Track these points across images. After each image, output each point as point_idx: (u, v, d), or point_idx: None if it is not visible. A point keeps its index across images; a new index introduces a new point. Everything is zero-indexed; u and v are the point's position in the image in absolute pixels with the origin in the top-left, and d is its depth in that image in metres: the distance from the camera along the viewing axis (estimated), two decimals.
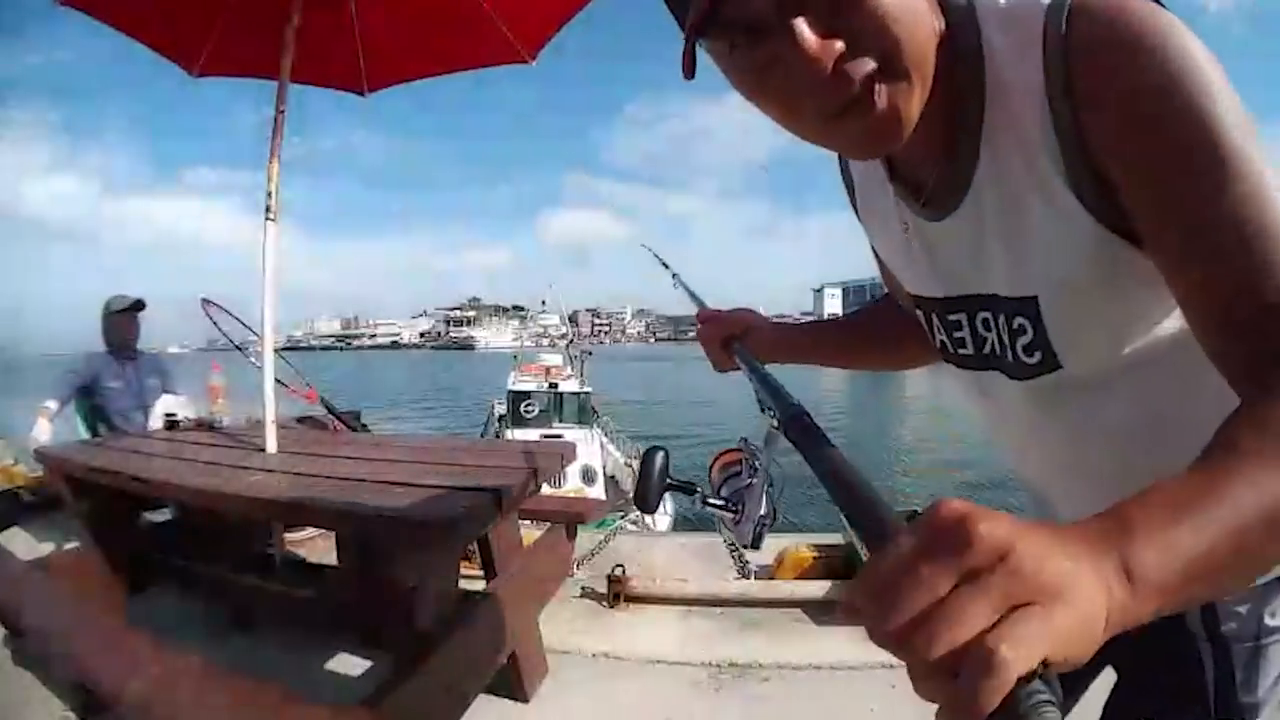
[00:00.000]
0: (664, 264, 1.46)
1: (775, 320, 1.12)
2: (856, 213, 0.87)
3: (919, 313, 0.81)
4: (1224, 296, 0.49)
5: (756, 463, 0.72)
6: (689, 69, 0.55)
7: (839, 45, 0.49)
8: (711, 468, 0.80)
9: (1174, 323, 0.59)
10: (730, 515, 0.68)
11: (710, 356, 1.09)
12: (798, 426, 0.54)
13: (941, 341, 0.78)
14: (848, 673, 2.29)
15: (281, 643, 2.38)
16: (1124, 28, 0.50)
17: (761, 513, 0.65)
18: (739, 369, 1.02)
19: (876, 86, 0.51)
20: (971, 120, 0.60)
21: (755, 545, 0.65)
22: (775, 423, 0.60)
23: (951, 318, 0.74)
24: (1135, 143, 0.51)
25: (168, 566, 2.39)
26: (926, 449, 20.58)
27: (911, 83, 0.52)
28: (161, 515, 2.57)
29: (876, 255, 0.91)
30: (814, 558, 2.88)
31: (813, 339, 1.13)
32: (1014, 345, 0.66)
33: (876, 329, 1.07)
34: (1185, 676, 0.70)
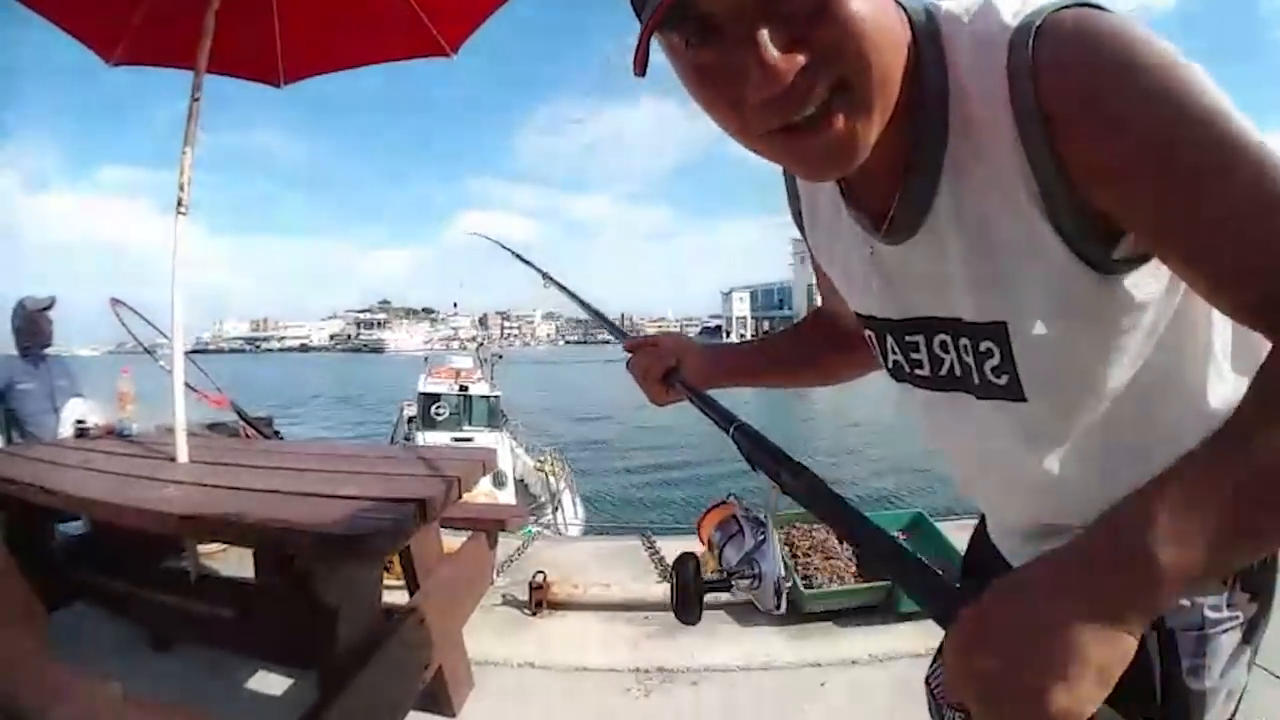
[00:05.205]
0: (550, 279, 1.38)
1: (705, 345, 1.06)
2: (799, 223, 0.85)
3: (868, 333, 0.80)
4: (1258, 279, 0.48)
5: (758, 517, 0.70)
6: (641, 65, 0.51)
7: (801, 59, 0.47)
8: (701, 525, 0.75)
9: (1136, 353, 0.61)
10: (748, 582, 0.65)
11: (646, 391, 1.01)
12: (815, 492, 0.59)
13: (895, 362, 0.77)
14: (776, 672, 2.32)
15: (203, 662, 2.25)
16: (1093, 44, 0.49)
17: (780, 574, 0.64)
18: (677, 401, 0.97)
19: (835, 107, 0.50)
20: (933, 144, 0.58)
21: (780, 608, 0.63)
22: (778, 486, 0.63)
23: (909, 339, 0.73)
24: (1118, 153, 0.49)
25: (84, 582, 2.23)
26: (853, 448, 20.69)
27: (872, 109, 0.51)
28: (75, 528, 2.42)
29: (818, 268, 0.89)
30: None
31: (751, 359, 1.07)
32: (981, 367, 0.66)
33: (815, 343, 1.03)
34: (1132, 665, 0.75)
